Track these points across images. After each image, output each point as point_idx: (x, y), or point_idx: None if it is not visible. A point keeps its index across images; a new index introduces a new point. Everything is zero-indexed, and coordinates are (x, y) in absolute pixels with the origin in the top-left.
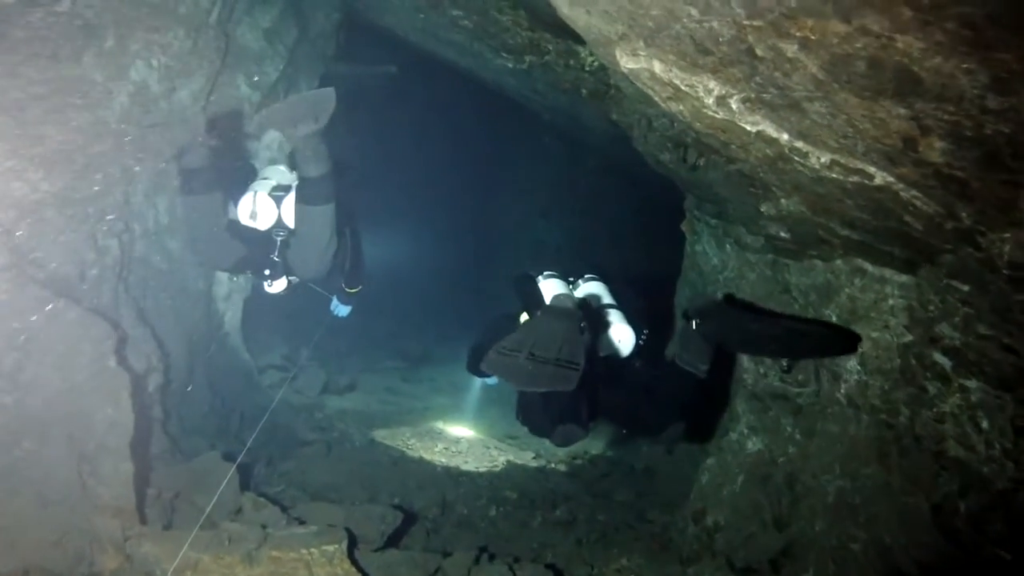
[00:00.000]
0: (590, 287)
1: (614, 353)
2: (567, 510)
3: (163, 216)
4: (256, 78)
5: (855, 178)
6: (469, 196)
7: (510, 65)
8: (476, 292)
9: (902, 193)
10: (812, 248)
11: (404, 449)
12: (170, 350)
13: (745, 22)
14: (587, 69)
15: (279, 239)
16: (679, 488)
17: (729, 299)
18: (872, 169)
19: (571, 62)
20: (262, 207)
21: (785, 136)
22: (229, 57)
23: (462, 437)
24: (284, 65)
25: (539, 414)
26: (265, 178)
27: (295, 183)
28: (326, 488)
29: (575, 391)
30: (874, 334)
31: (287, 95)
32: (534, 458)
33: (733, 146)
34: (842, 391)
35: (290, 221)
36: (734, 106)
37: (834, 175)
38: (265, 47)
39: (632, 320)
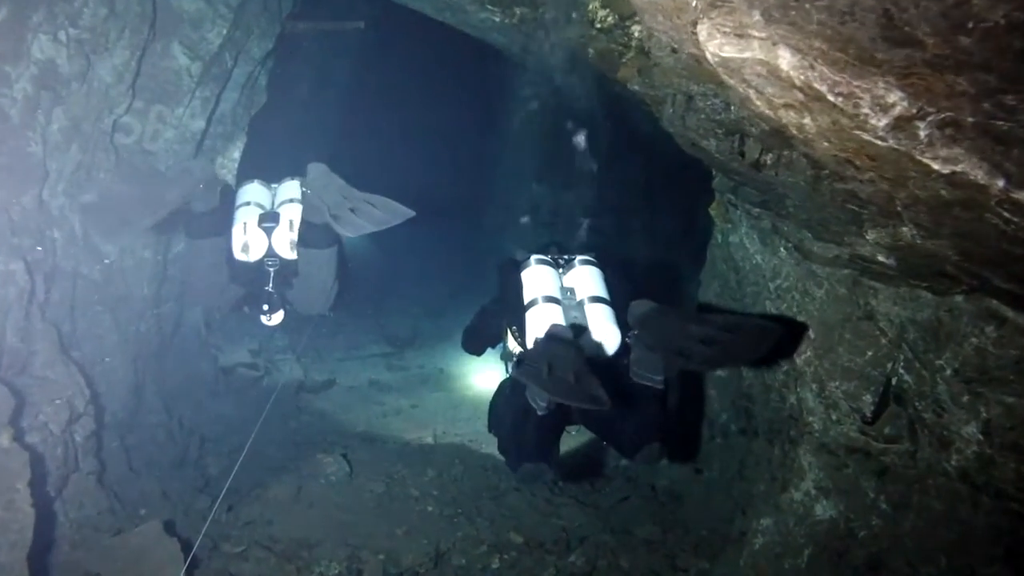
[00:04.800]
0: (581, 274)
1: (597, 354)
2: (584, 555)
3: None
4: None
5: None
6: (456, 158)
7: (496, 20)
8: (465, 263)
9: None
10: (922, 280)
11: (388, 480)
12: (110, 374)
13: None
14: (597, 25)
15: (272, 269)
16: (710, 522)
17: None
18: None
19: (574, 15)
20: (253, 240)
21: (1000, 183)
22: (159, 23)
23: (456, 458)
24: (228, 28)
25: (509, 434)
26: (246, 202)
27: (280, 207)
28: (296, 544)
29: (551, 424)
30: (1008, 399)
31: (235, 63)
32: None
33: (872, 174)
34: (952, 461)
35: (281, 251)
36: (922, 133)
37: None
38: (203, 8)
39: (621, 316)
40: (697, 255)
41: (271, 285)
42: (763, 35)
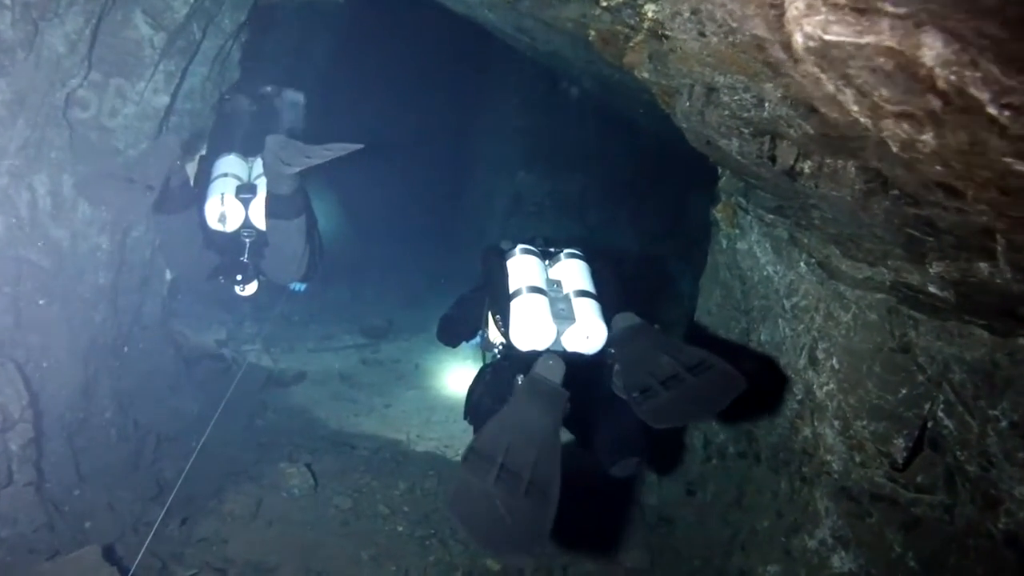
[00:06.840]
0: (568, 267)
1: (581, 351)
2: None
3: (43, 200)
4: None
5: None
6: (438, 145)
7: None
8: (446, 252)
9: None
10: (981, 317)
11: (356, 494)
12: (57, 371)
13: None
14: (603, 3)
15: (248, 240)
16: (704, 551)
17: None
18: None
19: None
20: (230, 211)
21: None
22: None
23: (430, 468)
24: None
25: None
26: (224, 174)
27: (257, 180)
28: (253, 568)
29: None
30: None
31: (204, 35)
32: None
33: (985, 207)
34: (1001, 523)
35: (258, 222)
36: None
37: None
38: None
39: (608, 313)
40: (686, 250)
41: (246, 256)
42: (901, 11)
